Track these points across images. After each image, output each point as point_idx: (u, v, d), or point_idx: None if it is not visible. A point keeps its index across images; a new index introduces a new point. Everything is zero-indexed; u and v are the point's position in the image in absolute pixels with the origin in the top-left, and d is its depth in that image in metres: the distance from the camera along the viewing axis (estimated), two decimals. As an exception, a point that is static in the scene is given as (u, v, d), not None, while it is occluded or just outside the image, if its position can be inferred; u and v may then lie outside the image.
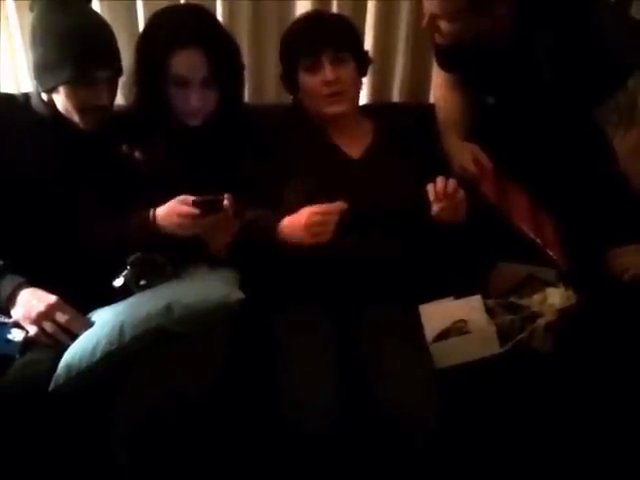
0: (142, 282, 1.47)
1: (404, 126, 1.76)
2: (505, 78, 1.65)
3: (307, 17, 1.73)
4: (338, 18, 1.78)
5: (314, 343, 1.45)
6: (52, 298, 1.41)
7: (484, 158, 1.69)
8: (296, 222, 1.47)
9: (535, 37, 1.54)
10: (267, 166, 1.62)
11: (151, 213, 1.48)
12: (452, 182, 1.50)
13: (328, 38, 1.62)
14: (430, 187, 1.50)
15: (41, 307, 1.39)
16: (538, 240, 1.61)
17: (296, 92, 1.69)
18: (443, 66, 1.79)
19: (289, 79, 1.68)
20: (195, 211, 1.41)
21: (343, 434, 1.35)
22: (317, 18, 1.71)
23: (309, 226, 1.43)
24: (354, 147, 1.69)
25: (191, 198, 1.43)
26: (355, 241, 1.56)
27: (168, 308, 1.35)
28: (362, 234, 1.57)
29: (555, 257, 1.60)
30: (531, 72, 1.58)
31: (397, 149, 1.69)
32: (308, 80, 1.63)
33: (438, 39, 1.61)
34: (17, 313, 1.40)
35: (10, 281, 1.41)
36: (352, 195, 1.55)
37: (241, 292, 1.41)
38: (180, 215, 1.43)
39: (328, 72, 1.59)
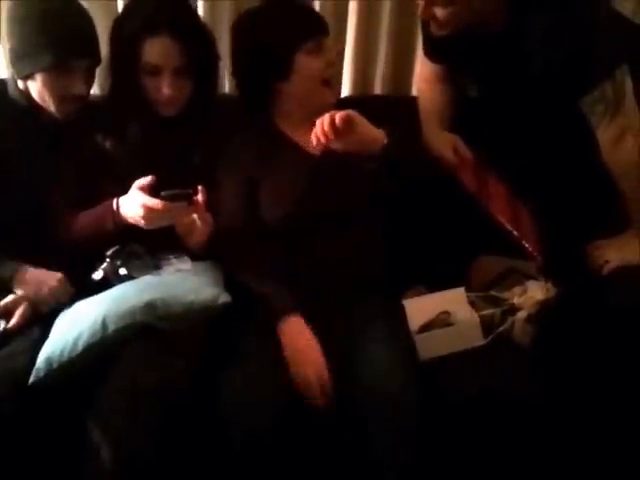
0: (122, 272, 1.46)
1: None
2: (492, 69, 1.63)
3: None
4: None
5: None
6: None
7: (464, 148, 1.69)
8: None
9: (528, 23, 1.52)
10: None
11: (114, 203, 1.46)
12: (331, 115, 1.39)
13: None
14: (313, 135, 1.41)
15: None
16: (515, 232, 1.61)
17: None
18: (430, 56, 1.76)
19: None
20: (159, 203, 1.38)
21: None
22: None
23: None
24: None
25: (147, 180, 1.41)
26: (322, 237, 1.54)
27: (152, 305, 1.34)
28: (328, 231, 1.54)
29: (531, 249, 1.60)
30: (520, 62, 1.57)
31: None
32: None
33: (434, 29, 1.57)
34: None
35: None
36: (314, 193, 1.53)
37: (228, 295, 1.39)
38: (144, 206, 1.40)
39: None
